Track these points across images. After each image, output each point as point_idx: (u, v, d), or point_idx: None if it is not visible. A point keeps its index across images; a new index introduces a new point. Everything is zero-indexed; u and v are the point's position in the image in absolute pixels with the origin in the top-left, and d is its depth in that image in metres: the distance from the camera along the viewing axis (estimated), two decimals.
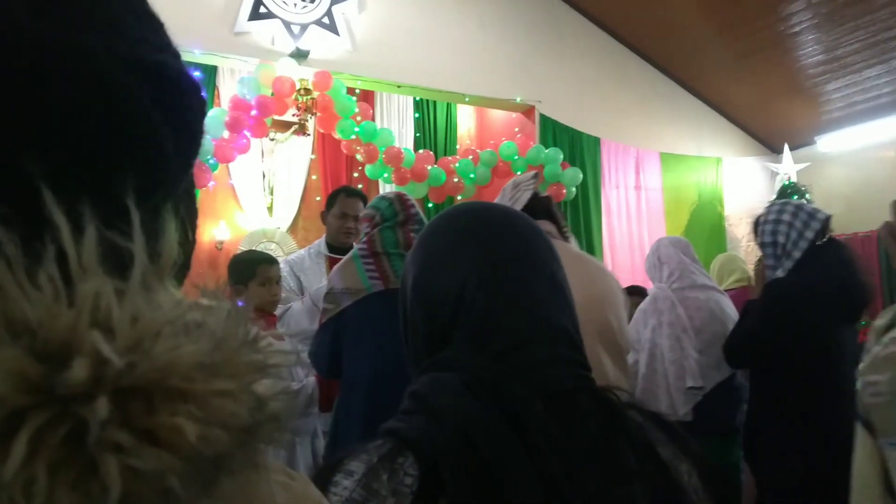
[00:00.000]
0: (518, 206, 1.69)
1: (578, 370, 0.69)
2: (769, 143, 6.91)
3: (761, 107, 6.44)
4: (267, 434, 0.27)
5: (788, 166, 6.28)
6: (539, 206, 1.70)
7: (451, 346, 0.69)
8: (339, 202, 2.96)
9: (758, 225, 2.37)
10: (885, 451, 0.91)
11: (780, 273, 2.25)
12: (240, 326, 0.29)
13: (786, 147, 6.40)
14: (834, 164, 6.29)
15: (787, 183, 6.22)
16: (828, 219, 2.26)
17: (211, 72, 4.84)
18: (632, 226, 6.00)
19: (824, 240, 2.23)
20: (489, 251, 0.72)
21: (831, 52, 5.46)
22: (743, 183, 6.59)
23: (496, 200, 1.87)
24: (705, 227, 6.35)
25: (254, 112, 4.42)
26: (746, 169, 6.69)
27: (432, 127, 5.72)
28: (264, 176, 5.76)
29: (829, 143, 6.36)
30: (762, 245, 2.34)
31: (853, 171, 6.22)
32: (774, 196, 6.39)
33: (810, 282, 2.16)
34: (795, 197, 5.97)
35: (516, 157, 5.27)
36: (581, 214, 5.66)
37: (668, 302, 2.57)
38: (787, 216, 2.26)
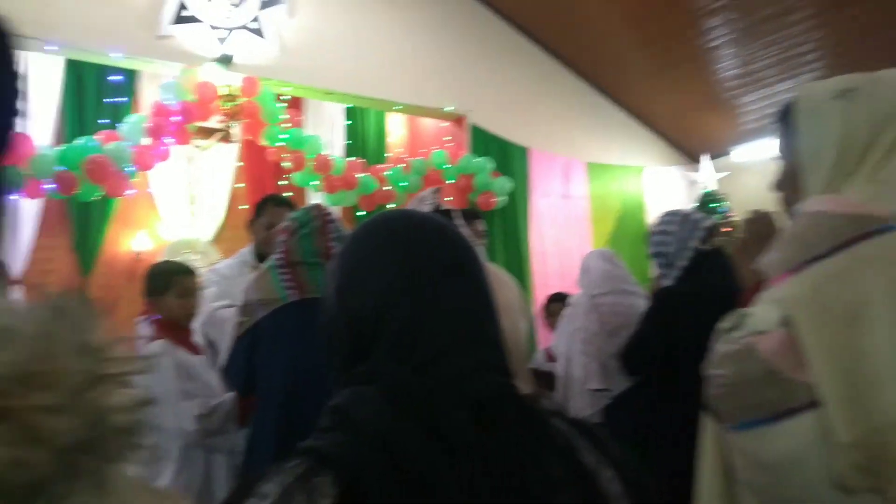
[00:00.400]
0: None
1: (503, 378, 0.68)
2: (689, 153, 7.18)
3: (681, 117, 6.69)
4: (112, 450, 0.24)
5: (707, 175, 6.54)
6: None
7: (374, 357, 0.67)
8: (267, 212, 2.89)
9: (648, 236, 2.43)
10: (726, 434, 1.01)
11: (668, 281, 2.29)
12: (72, 331, 0.25)
13: (704, 157, 6.66)
14: (748, 173, 6.59)
15: (705, 191, 6.47)
16: (713, 226, 2.32)
17: (131, 76, 4.66)
18: (560, 233, 6.12)
19: (710, 247, 2.26)
20: (412, 259, 0.70)
21: (747, 66, 5.73)
22: (664, 191, 6.82)
23: None
24: (629, 234, 6.53)
25: (176, 118, 4.28)
26: (667, 178, 6.93)
27: (363, 135, 5.67)
28: (186, 184, 5.56)
29: (744, 154, 6.66)
30: (650, 256, 2.39)
31: (766, 181, 6.51)
32: (694, 204, 6.64)
33: (694, 288, 2.19)
34: (713, 206, 6.21)
35: (447, 166, 5.29)
36: (510, 223, 5.74)
37: (581, 308, 2.62)
38: (673, 226, 2.31)
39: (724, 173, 6.56)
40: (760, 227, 1.44)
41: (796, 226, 1.04)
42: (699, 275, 2.20)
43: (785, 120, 1.13)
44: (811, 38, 5.29)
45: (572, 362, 2.59)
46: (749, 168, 6.61)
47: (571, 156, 6.36)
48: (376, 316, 0.68)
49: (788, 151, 1.13)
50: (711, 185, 6.48)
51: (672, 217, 2.37)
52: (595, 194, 6.43)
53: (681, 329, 2.14)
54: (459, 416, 0.61)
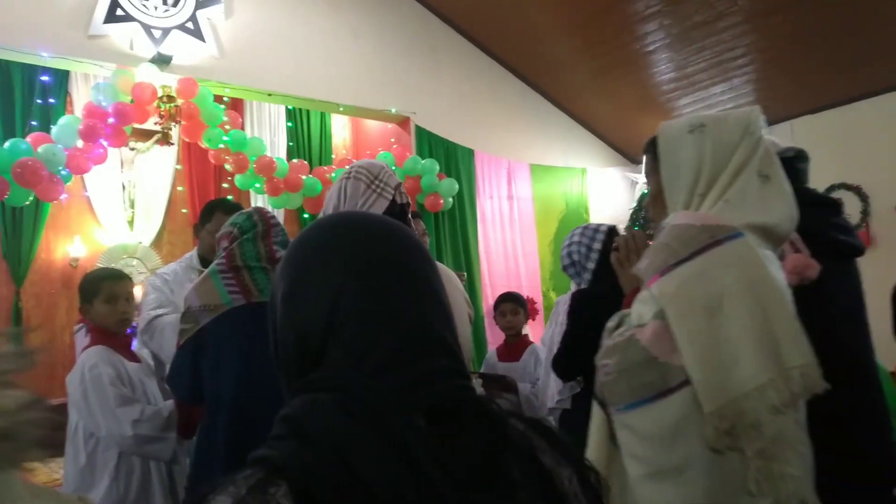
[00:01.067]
0: (376, 210, 1.71)
1: (459, 381, 0.67)
2: (628, 154, 7.37)
3: (620, 120, 6.86)
4: None
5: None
6: (394, 214, 1.69)
7: (326, 365, 0.66)
8: (216, 218, 2.83)
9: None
10: (612, 416, 1.18)
11: (582, 285, 2.43)
12: None
13: (644, 158, 6.84)
14: None
15: (644, 192, 6.65)
16: (611, 229, 2.46)
17: (62, 77, 4.50)
18: (506, 234, 6.19)
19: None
20: (362, 263, 0.68)
21: (681, 70, 5.92)
22: (606, 192, 6.98)
23: (330, 192, 1.86)
24: None
25: (111, 120, 4.15)
26: (609, 179, 7.09)
27: (306, 136, 5.62)
28: (124, 188, 5.40)
29: None
30: (564, 269, 2.53)
31: None
32: (634, 204, 6.82)
33: (603, 288, 2.27)
34: None
35: (393, 168, 5.29)
36: (458, 224, 5.77)
37: (564, 305, 2.71)
38: (577, 236, 2.46)
39: None
40: (634, 242, 1.64)
41: (663, 237, 1.22)
42: (606, 276, 2.29)
43: (650, 151, 1.37)
44: (741, 44, 5.50)
45: (552, 354, 2.69)
46: None
47: (516, 158, 6.44)
48: (326, 323, 0.66)
49: (654, 177, 1.36)
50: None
51: (574, 231, 2.53)
52: (539, 195, 6.53)
53: (595, 329, 2.22)
54: (416, 422, 0.60)
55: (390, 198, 1.80)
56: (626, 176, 7.14)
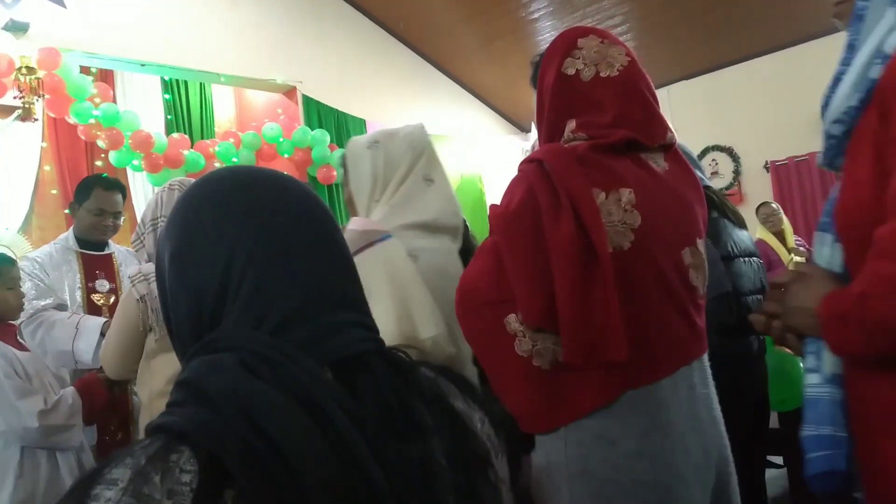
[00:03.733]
0: None
1: (365, 332, 0.67)
2: (518, 123, 7.51)
3: (507, 89, 6.96)
4: None
5: (535, 143, 6.88)
6: None
7: (224, 325, 0.63)
8: (95, 195, 2.66)
9: None
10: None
11: None
12: None
13: (532, 125, 6.99)
14: None
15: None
16: None
17: None
18: None
19: None
20: (257, 217, 0.65)
21: None
22: (497, 160, 7.09)
23: (149, 201, 2.07)
24: (468, 203, 6.73)
25: None
26: (500, 148, 7.20)
27: (185, 109, 5.32)
28: None
29: None
30: None
31: None
32: None
33: None
34: None
35: (281, 140, 5.12)
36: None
37: None
38: None
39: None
40: None
41: None
42: None
43: (343, 165, 1.61)
44: (620, 11, 5.70)
45: None
46: None
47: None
48: (221, 281, 0.63)
49: (346, 187, 1.60)
50: None
51: None
52: None
53: None
54: (321, 375, 0.58)
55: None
56: (518, 144, 7.27)
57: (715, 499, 1.22)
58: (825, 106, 0.98)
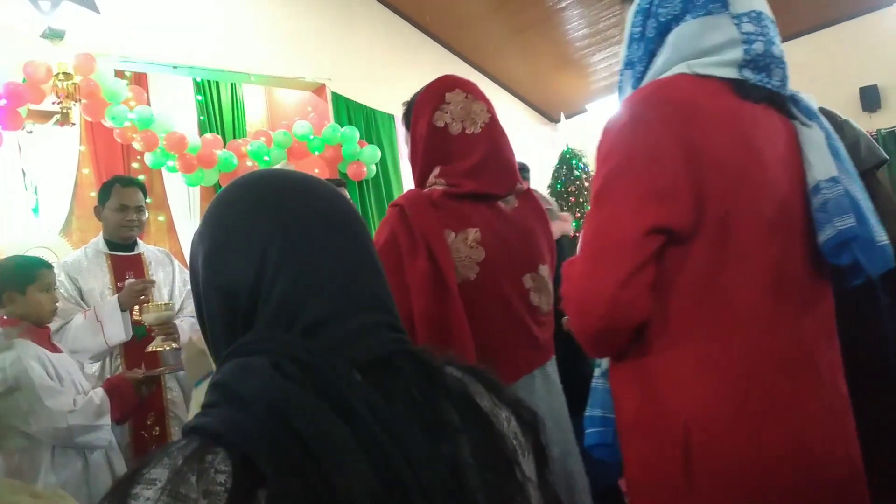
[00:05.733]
0: None
1: (393, 334, 0.67)
2: (547, 113, 7.44)
3: (537, 79, 6.90)
4: None
5: (566, 134, 6.82)
6: None
7: (256, 327, 0.64)
8: (115, 193, 2.70)
9: None
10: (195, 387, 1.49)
11: None
12: None
13: (562, 116, 6.93)
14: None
15: (566, 149, 6.74)
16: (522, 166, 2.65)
17: None
18: None
19: None
20: (288, 220, 0.66)
21: (594, 25, 5.99)
22: (528, 151, 7.05)
23: None
24: None
25: (3, 102, 3.87)
26: (530, 138, 7.16)
27: (217, 109, 5.40)
28: (24, 174, 5.07)
29: (598, 110, 7.01)
30: None
31: None
32: (556, 162, 6.92)
33: None
34: (574, 161, 6.49)
35: (312, 137, 5.16)
36: (383, 191, 5.71)
37: None
38: None
39: (579, 131, 6.86)
40: None
41: None
42: None
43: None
44: None
45: None
46: (602, 124, 6.96)
47: None
48: (253, 283, 0.64)
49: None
50: (571, 143, 6.77)
51: None
52: None
53: None
54: (353, 377, 0.59)
55: None
56: (547, 135, 7.22)
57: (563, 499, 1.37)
58: None
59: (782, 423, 0.99)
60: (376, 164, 5.53)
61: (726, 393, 0.99)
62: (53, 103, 4.17)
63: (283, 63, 5.32)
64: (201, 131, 5.16)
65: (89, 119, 4.50)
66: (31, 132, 4.87)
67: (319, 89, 5.61)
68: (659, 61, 1.13)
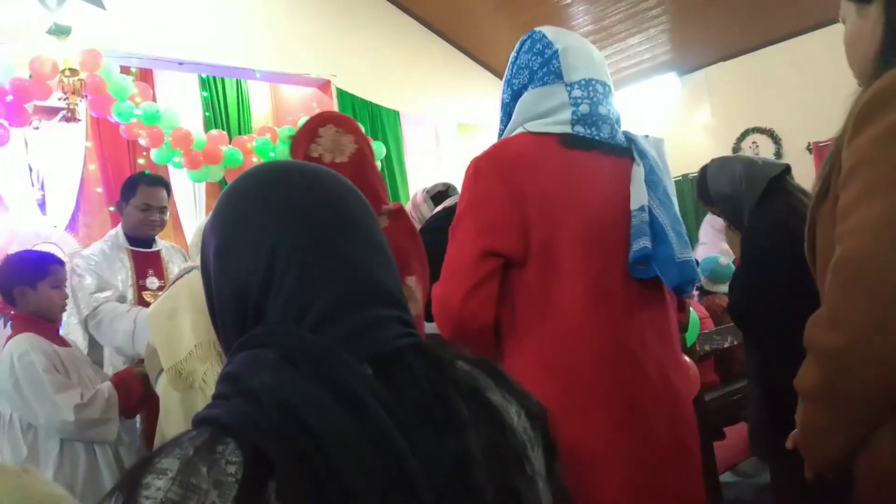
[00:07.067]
0: None
1: (403, 328, 0.67)
2: None
3: None
4: None
5: None
6: None
7: (267, 319, 0.64)
8: (140, 192, 2.74)
9: None
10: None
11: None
12: None
13: None
14: None
15: None
16: None
17: None
18: None
19: None
20: (298, 213, 0.66)
21: (599, 22, 5.97)
22: None
23: None
24: None
25: (9, 98, 3.87)
26: None
27: (222, 106, 5.40)
28: (31, 169, 5.09)
29: None
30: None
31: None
32: None
33: None
34: None
35: None
36: (388, 187, 5.70)
37: None
38: None
39: None
40: None
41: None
42: None
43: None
44: None
45: None
46: None
47: (442, 118, 6.40)
48: (264, 276, 0.64)
49: None
50: None
51: None
52: (468, 154, 6.53)
53: None
54: (363, 370, 0.60)
55: None
56: None
57: None
58: None
59: (605, 411, 1.21)
60: (381, 161, 5.53)
61: (556, 387, 1.21)
62: (59, 99, 4.18)
63: (288, 59, 5.32)
64: (207, 127, 5.17)
65: (95, 115, 4.52)
66: (37, 128, 4.88)
67: (324, 85, 5.61)
68: (509, 123, 1.41)
